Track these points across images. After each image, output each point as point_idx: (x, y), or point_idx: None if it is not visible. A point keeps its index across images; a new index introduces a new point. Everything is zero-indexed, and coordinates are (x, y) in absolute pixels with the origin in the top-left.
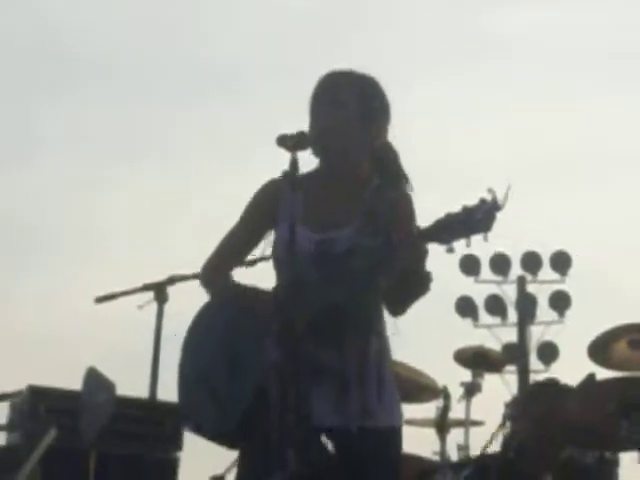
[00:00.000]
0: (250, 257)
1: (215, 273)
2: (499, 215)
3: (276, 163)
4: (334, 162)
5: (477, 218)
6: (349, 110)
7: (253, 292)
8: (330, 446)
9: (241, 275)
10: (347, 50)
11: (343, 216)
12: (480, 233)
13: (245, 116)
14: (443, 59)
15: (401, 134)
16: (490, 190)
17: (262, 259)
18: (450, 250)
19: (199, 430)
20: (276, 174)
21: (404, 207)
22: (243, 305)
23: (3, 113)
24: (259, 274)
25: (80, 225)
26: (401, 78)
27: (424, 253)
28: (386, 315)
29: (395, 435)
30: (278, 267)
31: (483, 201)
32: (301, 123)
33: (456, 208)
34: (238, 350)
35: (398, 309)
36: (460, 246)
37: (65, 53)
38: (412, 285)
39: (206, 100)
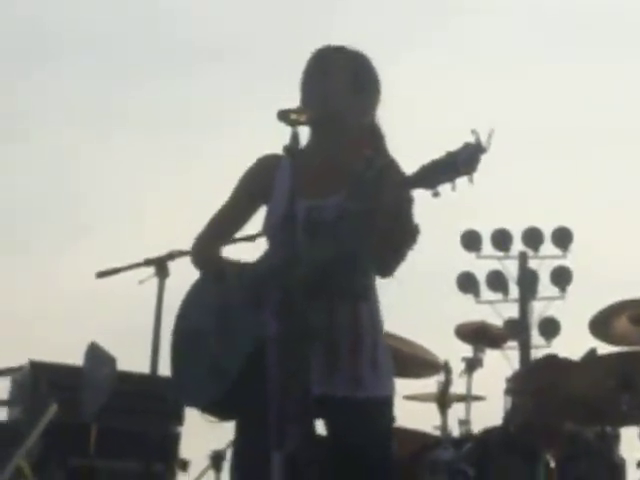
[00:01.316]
0: (237, 235)
1: (204, 250)
2: (503, 189)
3: (256, 132)
4: (326, 132)
5: (461, 161)
6: (341, 83)
7: (239, 266)
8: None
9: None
10: (329, 23)
11: (333, 184)
12: (465, 175)
13: (224, 87)
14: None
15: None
16: (473, 131)
17: (247, 238)
18: (436, 194)
19: (189, 400)
20: (257, 143)
21: (394, 173)
22: (229, 280)
23: None
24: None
25: (78, 201)
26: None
27: (409, 201)
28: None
29: (387, 404)
30: (271, 237)
31: (467, 145)
32: (281, 94)
33: (440, 153)
34: (229, 324)
35: (386, 266)
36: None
37: (40, 27)
38: (399, 236)
39: (188, 71)
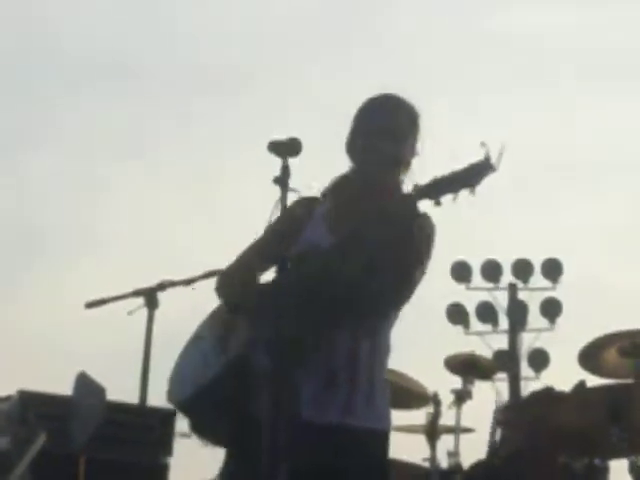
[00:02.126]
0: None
1: (229, 285)
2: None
3: (264, 164)
4: (378, 184)
5: (471, 177)
6: (407, 145)
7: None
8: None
9: None
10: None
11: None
12: (467, 188)
13: (237, 116)
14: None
15: None
16: (483, 144)
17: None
18: (437, 203)
19: (170, 399)
20: (265, 176)
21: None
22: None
23: None
24: None
25: (70, 228)
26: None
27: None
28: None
29: (382, 439)
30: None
31: (479, 162)
32: (290, 127)
33: (454, 167)
34: (226, 339)
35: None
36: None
37: (60, 55)
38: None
39: (203, 101)
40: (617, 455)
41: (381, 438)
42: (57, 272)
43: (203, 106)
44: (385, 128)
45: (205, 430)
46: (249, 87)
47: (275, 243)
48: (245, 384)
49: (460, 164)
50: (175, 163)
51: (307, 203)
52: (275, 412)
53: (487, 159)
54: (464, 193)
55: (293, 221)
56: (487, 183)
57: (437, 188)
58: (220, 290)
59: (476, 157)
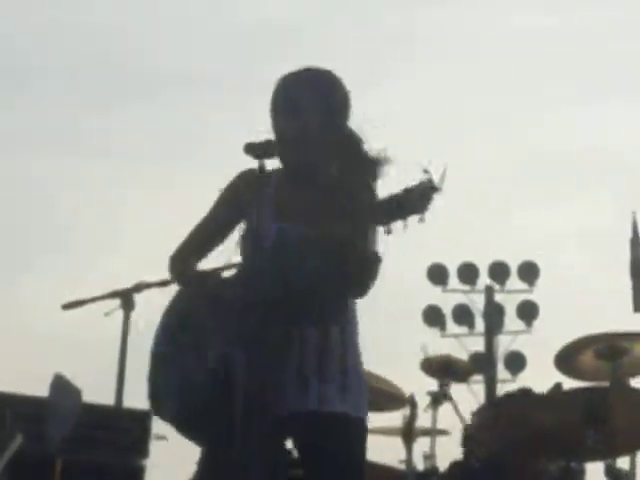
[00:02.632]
0: (222, 264)
1: (181, 263)
2: (470, 222)
3: (226, 159)
4: (301, 168)
5: (414, 199)
6: (310, 115)
7: (215, 277)
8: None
9: None
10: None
11: (306, 206)
12: (416, 214)
13: (193, 114)
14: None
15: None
16: (426, 171)
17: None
18: (388, 232)
19: (159, 413)
20: (227, 171)
21: (362, 196)
22: (203, 291)
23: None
24: None
25: (70, 228)
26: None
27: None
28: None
29: (359, 425)
30: (241, 256)
31: (420, 183)
32: (249, 122)
33: (394, 190)
34: (203, 338)
35: (353, 291)
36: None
37: (61, 55)
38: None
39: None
40: (593, 458)
41: (358, 424)
42: (57, 272)
43: (202, 105)
44: (283, 101)
45: (201, 437)
46: (249, 87)
47: (221, 220)
48: (227, 385)
49: (399, 187)
50: (180, 164)
51: (250, 173)
52: (247, 403)
53: (430, 181)
54: (413, 219)
55: (238, 195)
56: (461, 186)
57: (385, 213)
58: (169, 272)
59: (415, 180)
